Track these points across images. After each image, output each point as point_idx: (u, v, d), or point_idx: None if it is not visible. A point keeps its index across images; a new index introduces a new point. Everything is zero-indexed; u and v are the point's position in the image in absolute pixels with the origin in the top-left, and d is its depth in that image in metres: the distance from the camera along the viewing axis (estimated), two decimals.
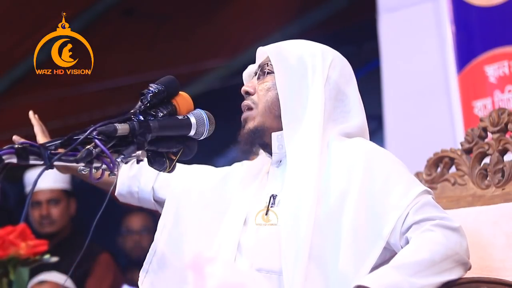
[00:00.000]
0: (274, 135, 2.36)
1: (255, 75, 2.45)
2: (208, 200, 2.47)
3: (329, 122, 2.35)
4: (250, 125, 2.38)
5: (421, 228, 2.17)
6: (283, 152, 2.35)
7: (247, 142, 2.38)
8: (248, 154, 2.44)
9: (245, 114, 2.40)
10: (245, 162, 2.55)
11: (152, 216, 5.80)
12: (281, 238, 2.23)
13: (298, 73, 2.37)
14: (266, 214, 2.33)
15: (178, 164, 2.40)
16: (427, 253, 2.12)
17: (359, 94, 2.45)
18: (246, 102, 2.41)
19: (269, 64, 2.41)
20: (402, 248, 2.19)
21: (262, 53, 2.46)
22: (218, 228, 2.39)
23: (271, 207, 2.33)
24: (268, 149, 2.40)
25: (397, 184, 2.24)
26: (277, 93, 2.36)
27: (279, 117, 2.35)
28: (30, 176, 4.85)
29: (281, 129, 2.34)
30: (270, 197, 2.35)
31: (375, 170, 2.26)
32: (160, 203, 2.59)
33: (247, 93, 2.41)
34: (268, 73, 2.40)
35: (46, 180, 4.66)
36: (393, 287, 2.07)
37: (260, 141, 2.39)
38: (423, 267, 2.10)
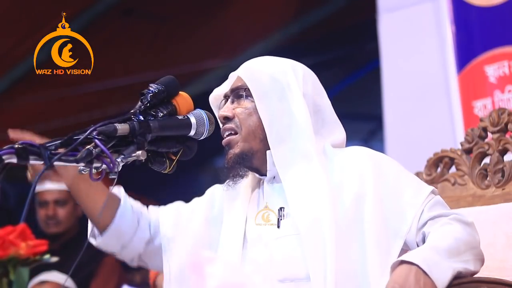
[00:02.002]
0: (269, 153, 2.37)
1: (225, 98, 2.45)
2: (202, 230, 2.46)
3: (316, 135, 2.38)
4: (236, 150, 2.38)
5: (438, 222, 2.24)
6: (276, 168, 2.36)
7: (235, 167, 2.38)
8: (235, 178, 2.40)
9: (228, 139, 2.40)
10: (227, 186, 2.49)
11: None
12: (305, 247, 2.25)
13: (275, 94, 2.38)
14: (278, 227, 2.34)
15: (161, 211, 2.44)
16: (454, 242, 2.16)
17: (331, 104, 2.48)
18: (229, 126, 2.40)
19: (245, 88, 2.40)
20: (417, 244, 2.25)
21: (233, 76, 2.45)
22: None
23: (280, 219, 2.35)
24: (256, 170, 2.41)
25: (407, 185, 2.32)
26: (259, 117, 2.37)
27: (265, 139, 2.36)
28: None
29: (269, 149, 2.37)
30: (279, 210, 2.36)
31: (384, 173, 2.33)
32: (149, 253, 2.51)
33: (226, 118, 2.40)
34: (246, 96, 2.40)
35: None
36: (435, 265, 2.09)
37: (248, 164, 2.39)
38: (453, 254, 2.14)
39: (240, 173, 2.40)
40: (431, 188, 2.33)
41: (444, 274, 2.09)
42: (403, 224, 2.26)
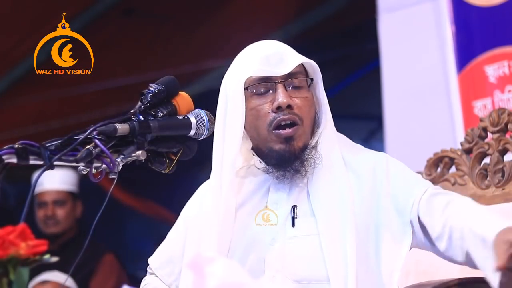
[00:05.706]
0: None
1: (273, 83, 2.30)
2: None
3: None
4: (300, 143, 2.30)
5: (449, 195, 2.26)
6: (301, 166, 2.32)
7: (299, 160, 2.30)
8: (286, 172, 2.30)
9: (293, 131, 2.29)
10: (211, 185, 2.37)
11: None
12: (326, 248, 2.23)
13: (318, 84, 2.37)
14: (293, 226, 2.29)
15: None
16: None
17: None
18: (292, 117, 2.29)
19: (309, 78, 2.34)
20: (419, 211, 2.24)
21: (290, 61, 2.32)
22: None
23: (294, 218, 2.30)
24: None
25: (414, 178, 2.34)
26: (315, 109, 2.34)
27: (312, 132, 2.34)
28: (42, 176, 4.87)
29: None
30: (292, 208, 2.31)
31: (394, 170, 2.34)
32: None
33: (290, 106, 2.29)
34: (308, 86, 2.34)
35: (53, 181, 4.70)
36: None
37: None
38: None
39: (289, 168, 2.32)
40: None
41: None
42: (407, 206, 2.26)
